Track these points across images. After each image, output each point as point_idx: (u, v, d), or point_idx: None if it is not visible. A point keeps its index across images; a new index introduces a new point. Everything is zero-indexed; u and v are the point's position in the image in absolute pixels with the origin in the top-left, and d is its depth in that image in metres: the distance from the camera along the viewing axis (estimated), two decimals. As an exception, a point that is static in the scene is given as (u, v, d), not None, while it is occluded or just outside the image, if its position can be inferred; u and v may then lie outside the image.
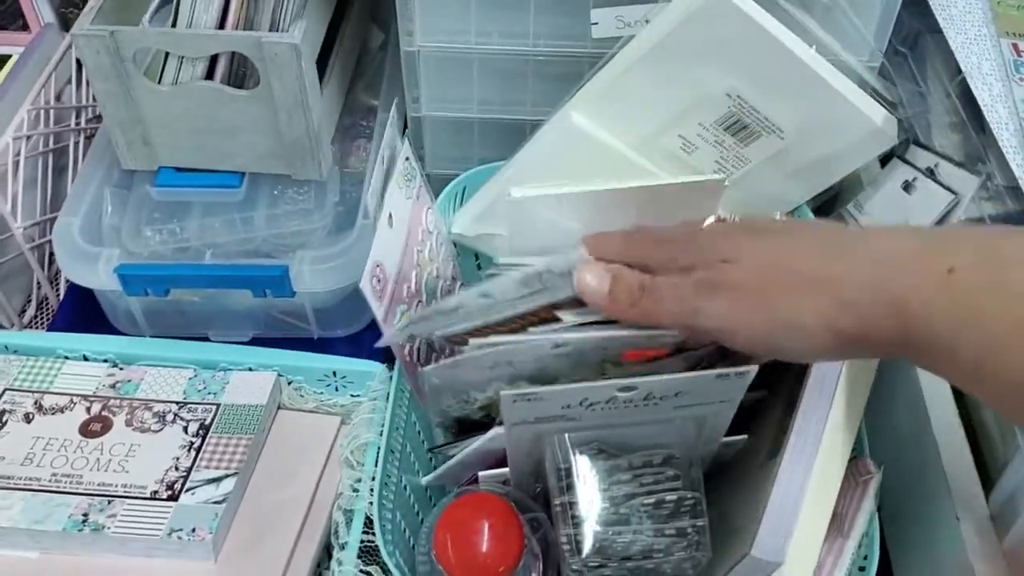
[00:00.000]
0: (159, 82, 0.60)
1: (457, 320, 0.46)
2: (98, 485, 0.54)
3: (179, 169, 0.65)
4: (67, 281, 0.72)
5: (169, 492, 0.54)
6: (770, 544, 0.39)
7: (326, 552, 0.56)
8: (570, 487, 0.41)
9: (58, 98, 0.76)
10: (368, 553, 0.52)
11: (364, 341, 0.67)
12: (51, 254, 0.73)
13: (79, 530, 0.51)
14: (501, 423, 0.45)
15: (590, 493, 0.41)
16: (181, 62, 0.60)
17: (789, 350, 0.37)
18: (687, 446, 0.42)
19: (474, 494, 0.45)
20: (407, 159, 0.54)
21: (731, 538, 0.43)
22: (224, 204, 0.64)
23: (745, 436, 0.46)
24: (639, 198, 0.52)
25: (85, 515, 0.52)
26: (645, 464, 0.42)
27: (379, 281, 0.49)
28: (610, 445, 0.42)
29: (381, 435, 0.52)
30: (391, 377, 0.57)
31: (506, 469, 0.47)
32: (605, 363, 0.42)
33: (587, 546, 0.40)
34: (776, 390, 0.48)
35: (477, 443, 0.47)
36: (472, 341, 0.41)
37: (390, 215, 0.50)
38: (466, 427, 0.51)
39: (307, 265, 0.59)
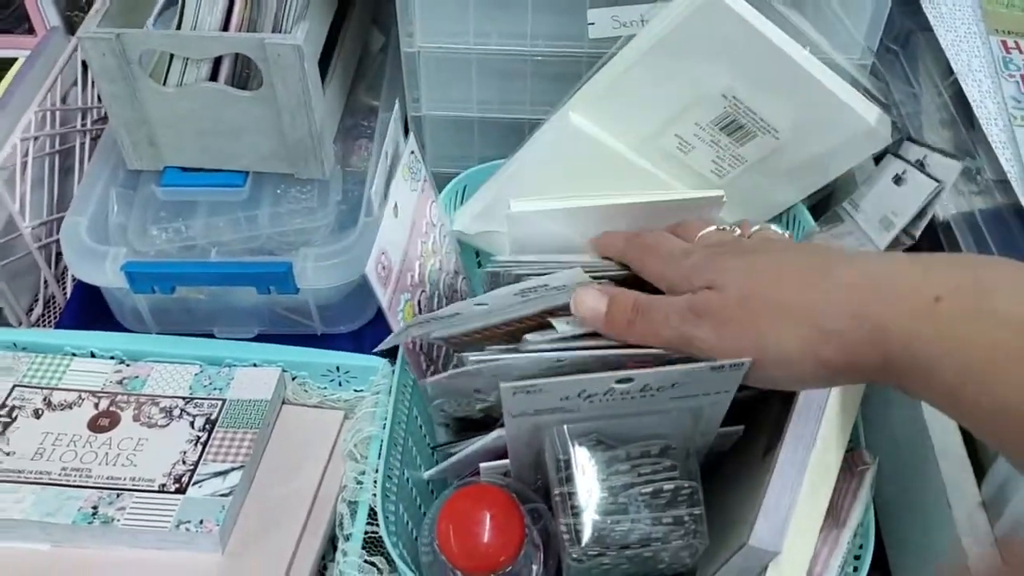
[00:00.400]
0: (164, 83, 0.61)
1: (455, 325, 0.47)
2: (107, 479, 0.55)
3: (184, 169, 0.66)
4: (74, 279, 0.73)
5: (177, 485, 0.55)
6: (767, 534, 0.40)
7: (330, 544, 0.57)
8: (569, 478, 0.42)
9: (64, 100, 0.77)
10: (372, 544, 0.53)
11: (366, 337, 0.68)
12: (58, 253, 0.74)
13: (89, 523, 0.52)
14: (503, 425, 0.46)
15: (589, 483, 0.42)
16: (186, 64, 0.61)
17: (777, 378, 0.37)
18: (684, 437, 0.43)
19: (475, 485, 0.46)
20: (412, 152, 0.55)
21: (729, 529, 0.44)
22: (228, 203, 0.65)
23: (741, 427, 0.47)
24: (637, 212, 0.53)
25: (95, 508, 0.53)
26: (643, 454, 0.43)
27: (384, 268, 0.50)
28: (608, 436, 0.43)
29: (384, 429, 0.53)
30: (393, 371, 0.59)
31: (507, 461, 0.48)
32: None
33: (586, 535, 0.41)
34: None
35: (480, 443, 0.48)
36: (471, 358, 0.42)
37: (395, 205, 0.51)
38: (466, 425, 0.52)
39: (311, 262, 0.61)
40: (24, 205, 0.67)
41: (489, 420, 0.49)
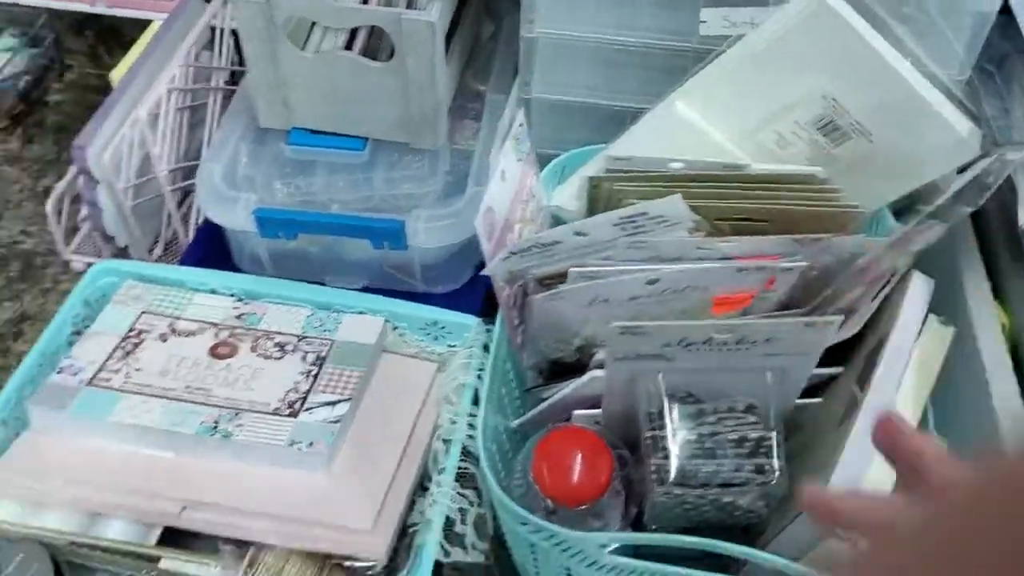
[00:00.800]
0: (303, 49, 0.67)
1: (553, 257, 0.51)
2: (226, 399, 0.61)
3: (310, 131, 0.71)
4: (196, 223, 0.79)
5: (290, 410, 0.60)
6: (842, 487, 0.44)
7: (419, 485, 0.61)
8: (661, 424, 0.46)
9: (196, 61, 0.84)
10: (461, 479, 0.58)
11: (462, 298, 0.73)
12: (180, 200, 0.80)
13: (210, 435, 0.58)
14: (597, 366, 0.50)
15: (678, 429, 0.46)
16: (325, 32, 0.67)
17: None
18: (768, 398, 0.47)
19: (572, 427, 0.50)
20: (520, 125, 0.60)
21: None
22: (348, 165, 0.70)
23: (819, 399, 0.51)
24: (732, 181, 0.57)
25: (216, 423, 0.59)
26: (729, 409, 0.47)
27: (489, 224, 0.54)
28: (699, 392, 0.47)
29: (487, 370, 0.58)
30: (488, 329, 0.64)
31: (599, 411, 0.52)
32: (696, 313, 0.47)
33: (673, 474, 0.45)
34: (849, 368, 0.53)
35: (573, 386, 0.52)
36: (572, 270, 0.46)
37: (503, 171, 0.56)
38: (559, 371, 0.57)
39: (422, 222, 0.66)
40: (163, 150, 0.73)
41: (581, 365, 0.53)
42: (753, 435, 0.45)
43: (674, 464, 0.45)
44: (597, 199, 0.58)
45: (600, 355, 0.51)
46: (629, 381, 0.48)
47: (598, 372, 0.50)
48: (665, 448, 0.46)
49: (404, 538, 0.58)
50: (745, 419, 0.47)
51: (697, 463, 0.45)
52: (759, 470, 0.45)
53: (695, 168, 0.56)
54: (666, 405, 0.47)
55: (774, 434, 0.46)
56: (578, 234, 0.51)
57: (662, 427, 0.46)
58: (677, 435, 0.46)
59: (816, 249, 0.50)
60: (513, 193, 0.59)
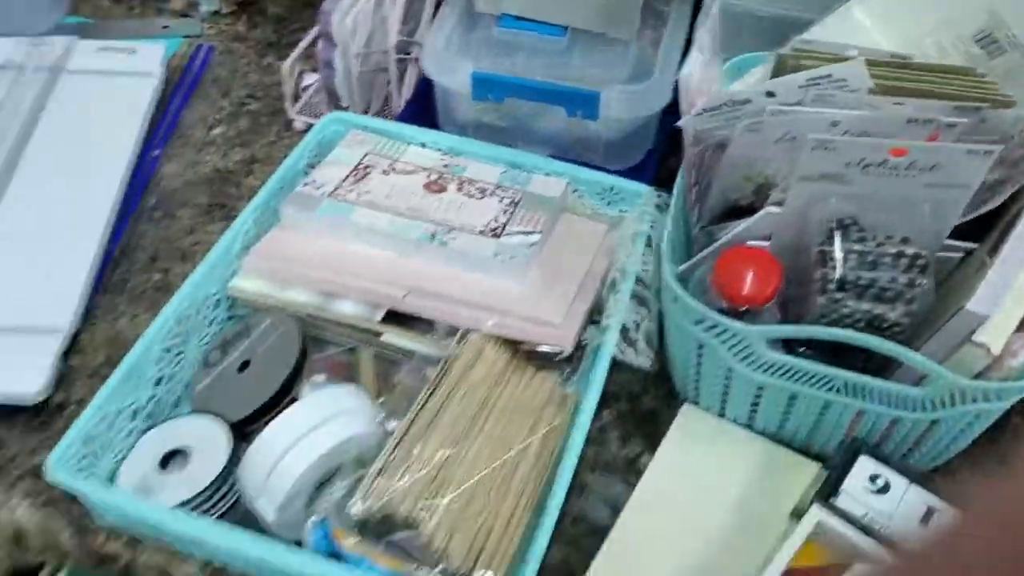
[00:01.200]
0: (526, -57, 0.78)
1: (741, 119, 0.60)
2: (440, 219, 0.72)
3: (516, 17, 0.83)
4: (408, 91, 0.91)
5: (493, 233, 0.71)
6: (984, 300, 0.52)
7: (591, 319, 0.71)
8: (830, 242, 0.56)
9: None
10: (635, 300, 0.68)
11: (634, 177, 0.83)
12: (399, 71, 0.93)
13: (430, 242, 0.70)
14: (773, 203, 0.60)
15: (844, 245, 0.55)
16: (548, -71, 0.78)
17: None
18: (923, 233, 0.56)
19: (750, 247, 0.60)
20: (715, 12, 0.69)
21: (943, 320, 0.56)
22: (547, 50, 0.82)
23: (962, 254, 0.59)
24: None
25: (433, 234, 0.71)
26: (888, 237, 0.56)
27: (686, 85, 0.64)
28: (864, 222, 0.56)
29: (652, 227, 0.68)
30: (659, 195, 0.74)
31: (768, 242, 0.62)
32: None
33: (836, 281, 0.55)
34: (983, 243, 0.61)
35: (747, 223, 0.62)
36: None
37: (701, 45, 0.66)
38: (731, 215, 0.66)
39: (615, 94, 0.76)
40: (395, 22, 0.86)
41: (753, 210, 0.62)
42: (909, 252, 0.54)
43: (838, 271, 0.55)
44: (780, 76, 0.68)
45: (775, 195, 0.60)
46: (803, 210, 0.58)
47: (773, 208, 0.60)
48: (832, 259, 0.55)
49: (578, 350, 0.68)
50: (902, 247, 0.56)
51: (858, 272, 0.55)
52: (911, 284, 0.54)
53: (868, 55, 0.65)
54: (835, 227, 0.56)
55: (927, 252, 0.55)
56: (767, 94, 0.60)
57: (830, 243, 0.56)
58: (842, 249, 0.55)
59: (974, 121, 0.58)
60: (705, 68, 0.69)
